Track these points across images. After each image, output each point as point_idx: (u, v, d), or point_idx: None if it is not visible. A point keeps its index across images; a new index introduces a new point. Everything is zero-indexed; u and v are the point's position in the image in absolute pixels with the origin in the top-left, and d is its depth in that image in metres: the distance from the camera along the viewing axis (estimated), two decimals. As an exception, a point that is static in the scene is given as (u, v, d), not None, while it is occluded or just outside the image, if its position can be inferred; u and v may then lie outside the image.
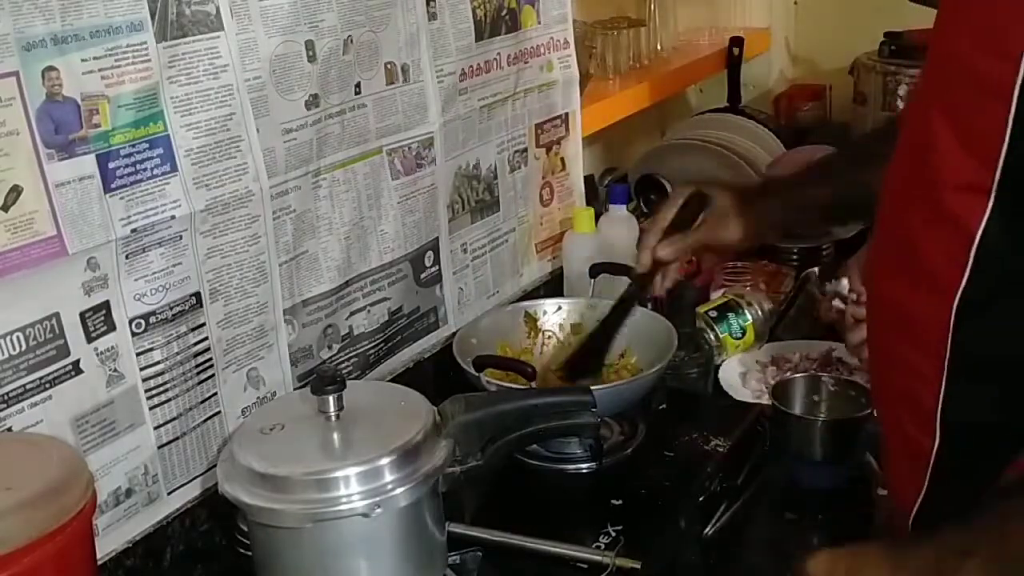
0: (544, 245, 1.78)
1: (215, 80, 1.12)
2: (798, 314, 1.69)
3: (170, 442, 1.14)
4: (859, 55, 2.30)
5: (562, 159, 1.79)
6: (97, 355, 1.05)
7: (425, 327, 1.52)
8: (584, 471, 1.34)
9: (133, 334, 1.08)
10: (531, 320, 1.56)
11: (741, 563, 1.21)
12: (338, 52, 1.26)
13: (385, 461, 1.02)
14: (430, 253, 1.50)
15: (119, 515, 1.10)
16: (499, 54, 1.57)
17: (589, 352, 1.40)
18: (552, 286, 1.76)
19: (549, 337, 1.56)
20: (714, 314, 1.62)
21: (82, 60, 0.98)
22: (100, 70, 1.00)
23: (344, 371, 1.35)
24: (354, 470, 1.01)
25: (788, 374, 1.55)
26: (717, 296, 1.70)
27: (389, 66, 1.36)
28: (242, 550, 1.13)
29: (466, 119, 1.53)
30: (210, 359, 1.18)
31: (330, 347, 1.35)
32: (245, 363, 1.22)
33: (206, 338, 1.16)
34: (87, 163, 1.00)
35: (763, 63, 2.56)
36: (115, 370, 1.07)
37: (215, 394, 1.19)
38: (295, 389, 1.28)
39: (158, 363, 1.11)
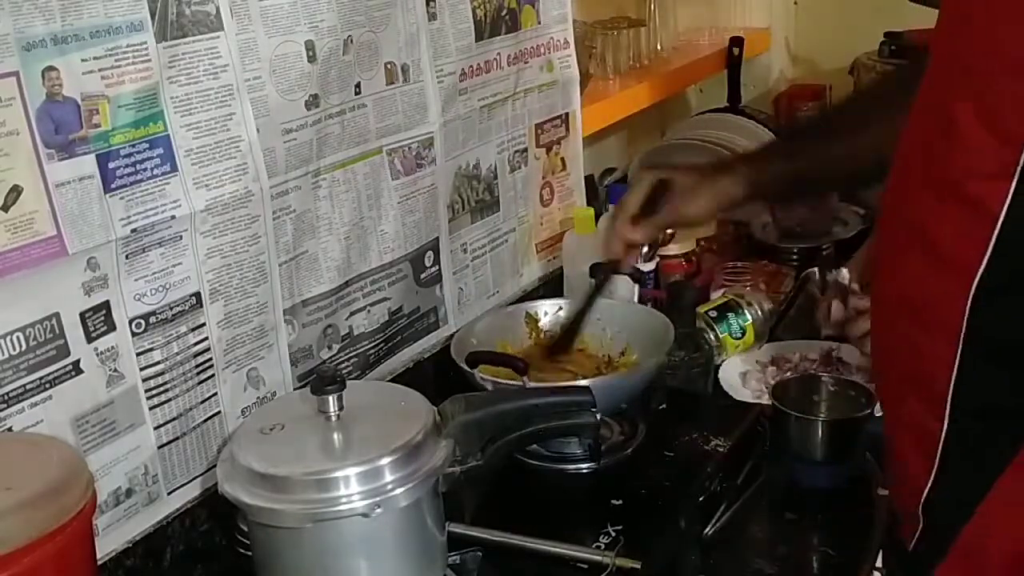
0: (544, 245, 1.78)
1: (215, 80, 1.12)
2: (798, 314, 1.69)
3: (170, 442, 1.14)
4: (859, 55, 2.30)
5: (562, 159, 1.79)
6: (97, 355, 1.05)
7: (425, 327, 1.52)
8: (584, 471, 1.34)
9: (133, 334, 1.08)
10: (532, 320, 1.56)
11: (741, 563, 1.21)
12: (338, 52, 1.26)
13: (385, 461, 1.02)
14: (430, 253, 1.50)
15: (119, 515, 1.10)
16: (499, 54, 1.57)
17: (564, 333, 1.50)
18: (552, 286, 1.75)
19: (550, 337, 1.56)
20: (714, 314, 1.62)
21: (82, 60, 0.98)
22: (100, 70, 1.00)
23: (344, 371, 1.35)
24: (354, 470, 1.01)
25: (788, 374, 1.56)
26: (717, 296, 1.70)
27: (389, 66, 1.36)
28: (242, 550, 1.12)
29: (466, 119, 1.53)
30: (210, 359, 1.18)
31: (330, 347, 1.35)
32: (245, 363, 1.22)
33: (206, 338, 1.16)
34: (87, 163, 1.00)
35: (763, 63, 2.56)
36: (115, 370, 1.07)
37: (215, 394, 1.19)
38: (295, 389, 1.28)
39: (158, 363, 1.11)
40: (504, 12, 1.57)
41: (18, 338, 0.98)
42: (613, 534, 1.21)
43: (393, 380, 1.43)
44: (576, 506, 1.32)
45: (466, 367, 1.36)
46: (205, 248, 1.14)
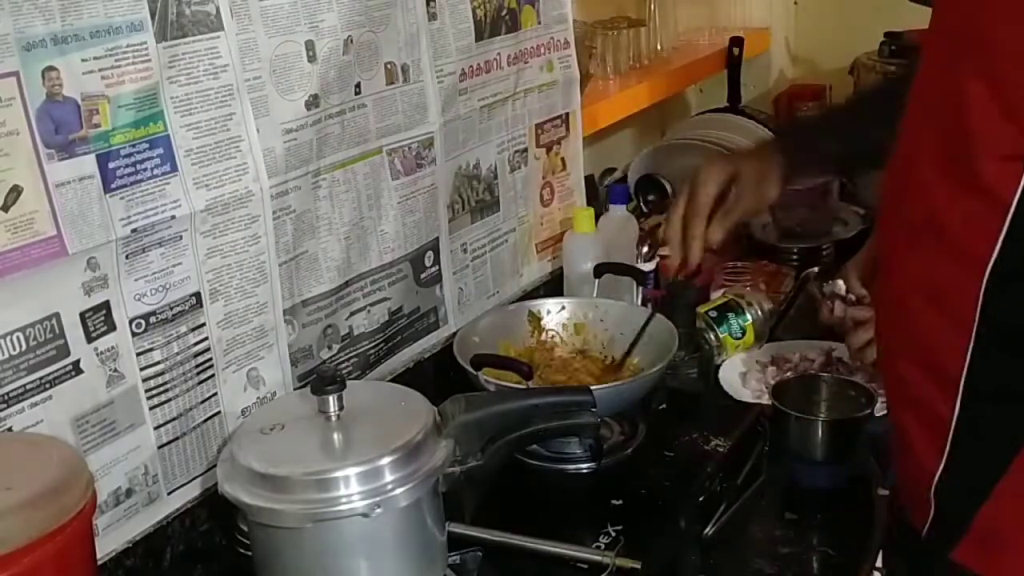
0: (544, 245, 1.78)
1: (215, 80, 1.12)
2: (798, 314, 1.69)
3: (170, 442, 1.14)
4: (859, 55, 2.30)
5: (562, 159, 1.79)
6: (97, 355, 1.05)
7: (425, 327, 1.52)
8: (584, 471, 1.34)
9: (133, 334, 1.08)
10: (535, 319, 1.56)
11: (741, 563, 1.21)
12: (338, 52, 1.26)
13: (385, 461, 1.02)
14: (430, 253, 1.50)
15: (119, 515, 1.10)
16: (499, 54, 1.57)
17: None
18: (552, 286, 1.75)
19: (552, 336, 1.56)
20: (714, 314, 1.62)
21: (82, 60, 0.98)
22: (100, 70, 1.00)
23: (344, 371, 1.35)
24: (354, 470, 1.01)
25: (788, 374, 1.56)
26: (717, 296, 1.70)
27: (389, 66, 1.36)
28: (242, 550, 1.13)
29: (466, 119, 1.53)
30: (210, 359, 1.18)
31: (330, 347, 1.35)
32: (245, 363, 1.22)
33: (206, 338, 1.16)
34: (87, 163, 1.00)
35: (763, 63, 2.56)
36: (115, 370, 1.07)
37: (215, 394, 1.19)
38: (295, 389, 1.28)
39: (158, 363, 1.11)
40: (504, 12, 1.57)
41: (18, 338, 0.98)
42: (613, 534, 1.21)
43: (393, 380, 1.43)
44: (576, 506, 1.32)
45: (471, 369, 1.36)
46: (205, 248, 1.14)
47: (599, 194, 2.00)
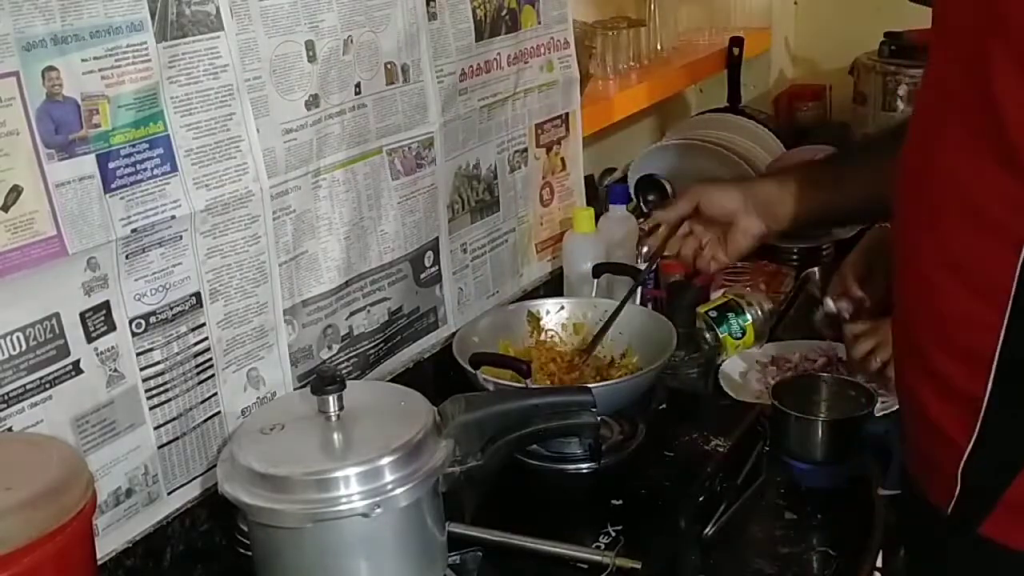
0: (544, 245, 1.78)
1: (215, 80, 1.12)
2: (798, 314, 1.69)
3: (170, 442, 1.14)
4: (859, 55, 2.31)
5: (562, 159, 1.79)
6: (97, 355, 1.05)
7: (425, 327, 1.52)
8: (584, 471, 1.34)
9: (133, 334, 1.08)
10: (534, 319, 1.56)
11: (741, 563, 1.21)
12: (338, 52, 1.26)
13: (385, 461, 1.02)
14: (430, 253, 1.50)
15: (119, 515, 1.10)
16: (499, 54, 1.57)
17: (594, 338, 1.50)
18: (552, 286, 1.76)
19: (552, 336, 1.56)
20: (714, 314, 1.62)
21: (82, 60, 0.98)
22: (100, 70, 1.00)
23: (344, 371, 1.36)
24: (354, 470, 1.00)
25: (788, 374, 1.56)
26: (717, 296, 1.70)
27: (389, 66, 1.36)
28: (242, 550, 1.13)
29: (466, 119, 1.53)
30: (210, 359, 1.18)
31: (330, 347, 1.35)
32: (245, 363, 1.22)
33: (206, 338, 1.16)
34: (87, 163, 1.00)
35: (763, 63, 2.56)
36: (115, 370, 1.07)
37: (215, 394, 1.19)
38: (295, 389, 1.28)
39: (158, 363, 1.11)
40: (504, 12, 1.57)
41: (18, 338, 0.98)
42: (613, 534, 1.21)
43: (393, 380, 1.43)
44: (576, 506, 1.32)
45: (469, 368, 1.36)
46: (205, 248, 1.14)
47: (599, 194, 2.00)
